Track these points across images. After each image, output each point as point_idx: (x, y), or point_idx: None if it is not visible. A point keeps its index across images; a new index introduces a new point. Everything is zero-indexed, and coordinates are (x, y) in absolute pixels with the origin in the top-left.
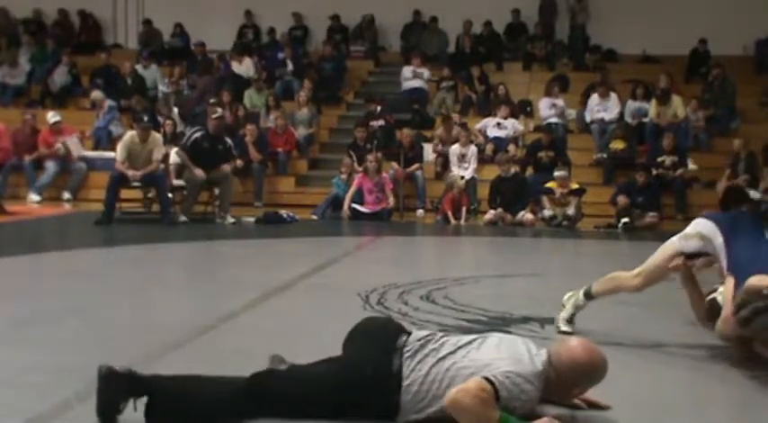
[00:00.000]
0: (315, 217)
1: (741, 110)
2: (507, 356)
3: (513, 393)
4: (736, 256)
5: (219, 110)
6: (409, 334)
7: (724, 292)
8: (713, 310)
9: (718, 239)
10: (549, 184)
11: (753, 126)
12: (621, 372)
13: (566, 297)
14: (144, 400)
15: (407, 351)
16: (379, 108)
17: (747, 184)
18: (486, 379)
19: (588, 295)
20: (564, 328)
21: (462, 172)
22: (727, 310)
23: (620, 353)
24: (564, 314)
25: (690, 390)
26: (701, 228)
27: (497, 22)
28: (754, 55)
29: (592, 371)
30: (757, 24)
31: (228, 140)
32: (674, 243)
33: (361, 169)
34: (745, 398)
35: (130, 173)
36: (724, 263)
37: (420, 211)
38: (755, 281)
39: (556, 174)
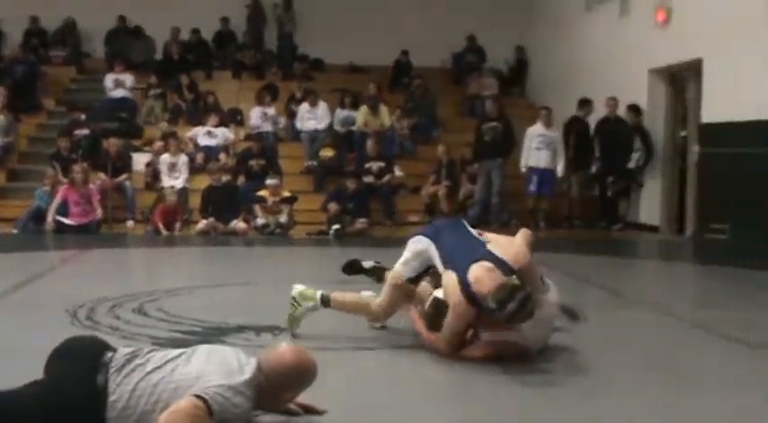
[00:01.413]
0: (15, 231)
1: (442, 119)
2: (216, 368)
3: (225, 407)
4: (446, 252)
5: None
6: (115, 350)
7: (446, 286)
8: (438, 308)
9: (431, 248)
10: (261, 193)
11: (453, 135)
12: (337, 374)
13: (296, 291)
14: None
15: (113, 367)
16: (83, 116)
17: (449, 191)
18: (198, 396)
19: (326, 303)
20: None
21: (173, 181)
22: (455, 297)
23: (335, 356)
24: (295, 313)
25: (406, 389)
26: (417, 246)
27: (206, 29)
28: (451, 67)
29: (301, 374)
30: (453, 38)
31: None
32: (398, 271)
33: (66, 180)
34: (459, 392)
35: None
36: (439, 264)
37: (130, 223)
38: (487, 277)
39: (267, 182)
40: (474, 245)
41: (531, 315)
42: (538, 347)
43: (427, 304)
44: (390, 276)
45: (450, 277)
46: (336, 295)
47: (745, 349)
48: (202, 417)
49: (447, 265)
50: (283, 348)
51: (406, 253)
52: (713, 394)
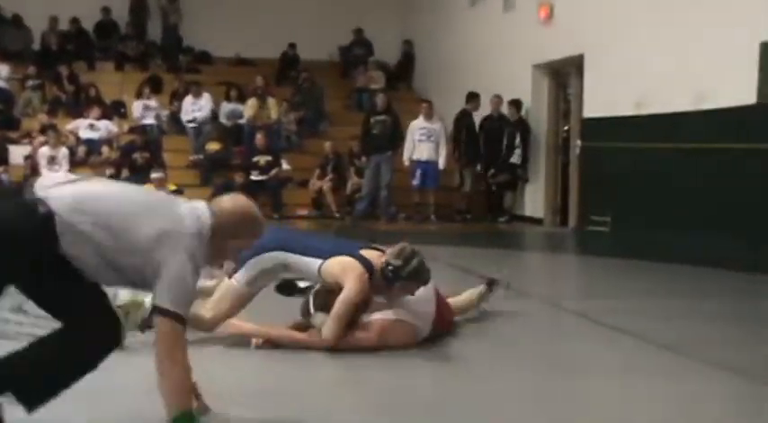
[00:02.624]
0: None
1: (329, 112)
2: (163, 222)
3: (190, 299)
4: (316, 249)
5: None
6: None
7: (339, 264)
8: (325, 290)
9: (289, 257)
10: (146, 186)
11: (340, 128)
12: (221, 365)
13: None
14: None
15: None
16: None
17: (335, 184)
18: (165, 315)
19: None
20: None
21: (53, 175)
22: (357, 269)
23: (220, 350)
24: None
25: (287, 379)
26: (263, 265)
27: (86, 20)
28: (339, 60)
29: (253, 218)
30: (340, 31)
31: None
32: (243, 291)
33: None
34: (347, 380)
35: None
36: (307, 266)
37: None
38: (380, 256)
39: (152, 175)
40: (344, 242)
41: (429, 276)
42: (427, 331)
43: (312, 294)
44: (229, 292)
45: (339, 259)
46: None
47: (624, 337)
48: (181, 334)
49: (325, 255)
50: (231, 197)
51: (250, 271)
52: (589, 379)
